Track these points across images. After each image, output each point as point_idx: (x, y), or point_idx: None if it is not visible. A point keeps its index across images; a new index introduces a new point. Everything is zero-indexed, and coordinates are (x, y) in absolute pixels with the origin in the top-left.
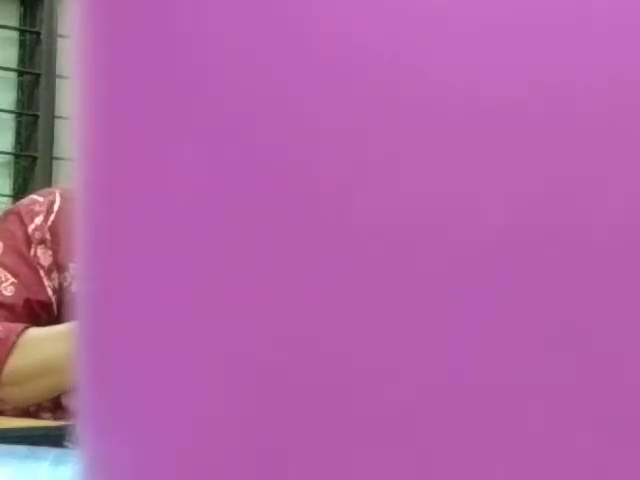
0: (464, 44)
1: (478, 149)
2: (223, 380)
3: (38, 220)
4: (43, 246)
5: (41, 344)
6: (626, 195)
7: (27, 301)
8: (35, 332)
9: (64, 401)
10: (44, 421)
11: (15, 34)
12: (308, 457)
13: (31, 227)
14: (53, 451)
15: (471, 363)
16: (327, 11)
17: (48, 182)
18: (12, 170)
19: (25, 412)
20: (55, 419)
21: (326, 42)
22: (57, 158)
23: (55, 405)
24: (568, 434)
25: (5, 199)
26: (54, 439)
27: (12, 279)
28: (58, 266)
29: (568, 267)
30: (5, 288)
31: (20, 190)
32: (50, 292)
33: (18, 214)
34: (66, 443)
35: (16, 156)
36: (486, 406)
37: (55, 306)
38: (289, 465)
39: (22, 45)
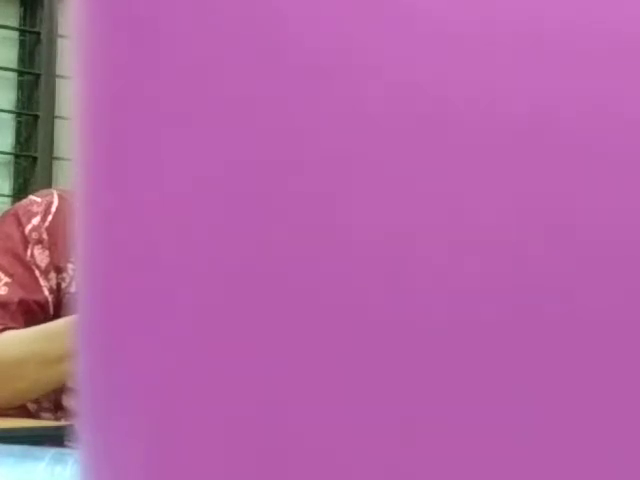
0: (465, 58)
1: (478, 162)
2: (224, 377)
3: (35, 221)
4: (40, 246)
5: (13, 346)
6: (625, 206)
7: (22, 300)
8: (11, 333)
9: (65, 401)
10: (44, 421)
11: (15, 34)
12: (306, 458)
13: (28, 227)
14: (51, 451)
15: (471, 363)
16: (327, 19)
17: (48, 182)
18: (12, 170)
19: (25, 412)
20: (56, 419)
21: (328, 46)
22: (57, 158)
23: (56, 405)
24: (568, 436)
25: (5, 199)
26: (54, 439)
27: (6, 279)
28: (55, 266)
29: (568, 270)
30: None
31: (20, 190)
32: (47, 292)
33: (15, 215)
34: (66, 443)
35: (16, 156)
36: (485, 409)
37: (52, 306)
38: (289, 464)
39: (22, 45)
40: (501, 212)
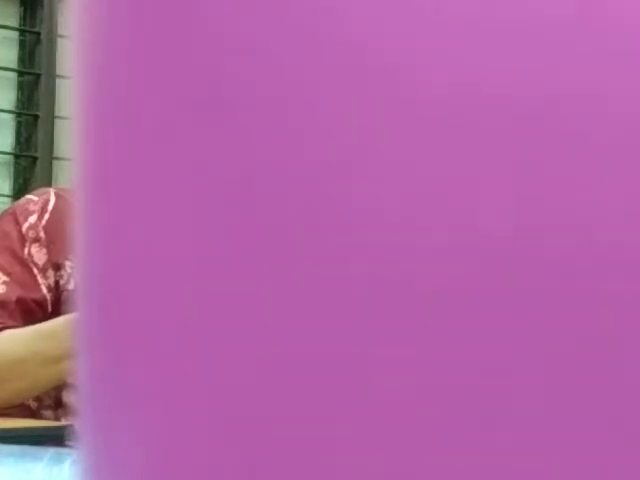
0: (465, 43)
1: (478, 149)
2: (224, 377)
3: (32, 219)
4: (37, 244)
5: (12, 345)
6: (626, 197)
7: (21, 299)
8: (10, 332)
9: (65, 398)
10: (45, 421)
11: (15, 34)
12: (307, 457)
13: (25, 226)
14: (50, 451)
15: (470, 363)
16: (336, 13)
17: (48, 182)
18: (12, 170)
19: (26, 409)
20: (56, 417)
21: (331, 41)
22: (57, 158)
23: (56, 403)
24: (568, 436)
25: (5, 199)
26: (54, 439)
27: (4, 278)
28: (53, 264)
29: (567, 269)
30: None
31: (20, 190)
32: (45, 290)
33: (13, 214)
34: (67, 442)
35: (16, 156)
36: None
37: (50, 304)
38: (290, 463)
39: (22, 45)
40: (503, 206)
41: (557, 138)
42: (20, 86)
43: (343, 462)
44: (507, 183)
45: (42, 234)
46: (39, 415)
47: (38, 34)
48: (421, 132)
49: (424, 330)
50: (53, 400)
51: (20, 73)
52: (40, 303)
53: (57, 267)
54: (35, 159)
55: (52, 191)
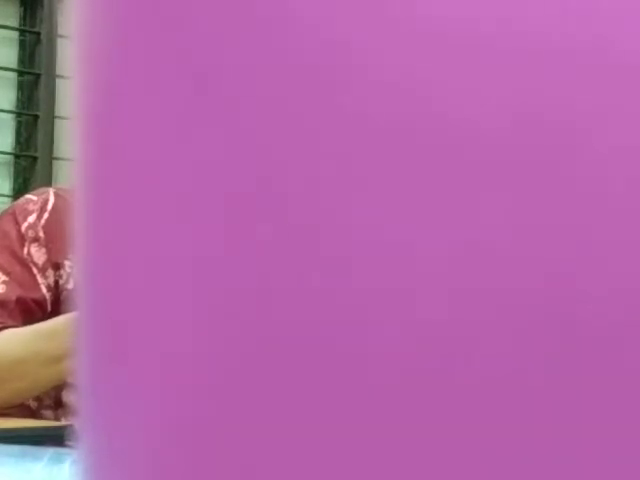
0: (464, 59)
1: (472, 166)
2: (225, 376)
3: (31, 218)
4: (37, 244)
5: (12, 344)
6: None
7: (20, 298)
8: (10, 332)
9: (65, 398)
10: (45, 421)
11: (15, 34)
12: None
13: (24, 225)
14: (50, 451)
15: (471, 363)
16: (328, 23)
17: (48, 182)
18: (12, 170)
19: (26, 409)
20: (56, 417)
21: (328, 47)
22: (57, 158)
23: (56, 403)
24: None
25: (5, 199)
26: (54, 439)
27: (4, 277)
28: (53, 264)
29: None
30: None
31: (20, 190)
32: (44, 290)
33: (12, 214)
34: (67, 442)
35: (16, 156)
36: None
37: (50, 303)
38: (293, 462)
39: (22, 45)
40: (495, 217)
41: (551, 145)
42: (20, 86)
43: (343, 462)
44: (504, 191)
45: (41, 234)
46: (39, 415)
47: (38, 34)
48: (417, 137)
49: (425, 329)
50: (53, 400)
51: (20, 73)
52: (40, 303)
53: (56, 267)
54: (35, 159)
55: (51, 191)
